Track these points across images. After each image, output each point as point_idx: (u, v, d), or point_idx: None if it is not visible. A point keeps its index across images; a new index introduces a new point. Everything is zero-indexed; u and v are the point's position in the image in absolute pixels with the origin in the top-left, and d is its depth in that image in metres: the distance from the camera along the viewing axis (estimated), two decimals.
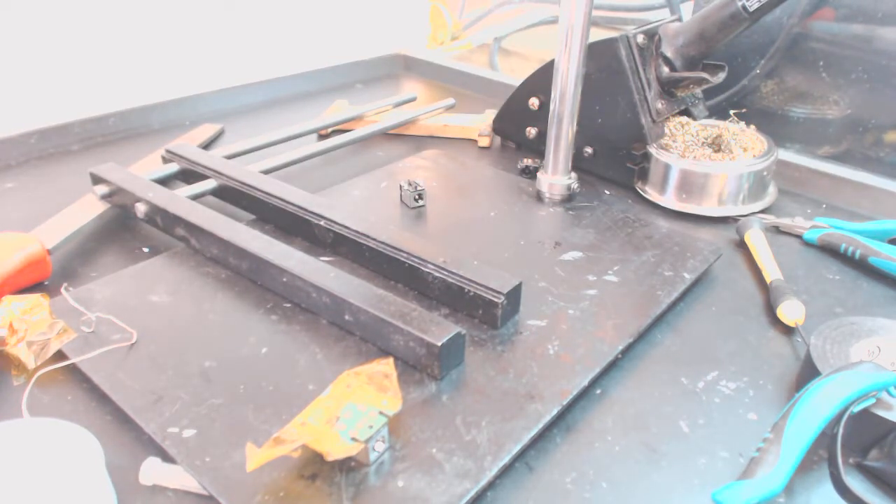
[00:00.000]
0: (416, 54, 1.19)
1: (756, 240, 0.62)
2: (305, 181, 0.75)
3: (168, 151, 0.71)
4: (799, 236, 0.66)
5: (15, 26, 0.83)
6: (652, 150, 0.71)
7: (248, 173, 0.65)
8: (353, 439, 0.36)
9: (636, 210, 0.70)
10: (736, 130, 0.75)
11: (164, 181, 0.68)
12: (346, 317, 0.47)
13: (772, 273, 0.57)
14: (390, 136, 0.89)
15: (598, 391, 0.46)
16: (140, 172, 0.67)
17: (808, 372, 0.45)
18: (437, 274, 0.51)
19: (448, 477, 0.37)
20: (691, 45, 0.70)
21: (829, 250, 0.63)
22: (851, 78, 0.75)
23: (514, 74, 1.08)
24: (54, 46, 0.86)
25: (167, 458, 0.38)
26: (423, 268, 0.52)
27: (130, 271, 0.55)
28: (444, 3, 1.26)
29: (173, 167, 0.70)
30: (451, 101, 0.93)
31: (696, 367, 0.48)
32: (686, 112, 0.77)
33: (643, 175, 0.73)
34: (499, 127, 0.86)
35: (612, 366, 0.47)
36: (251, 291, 0.53)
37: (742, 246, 0.64)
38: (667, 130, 0.74)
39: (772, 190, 0.73)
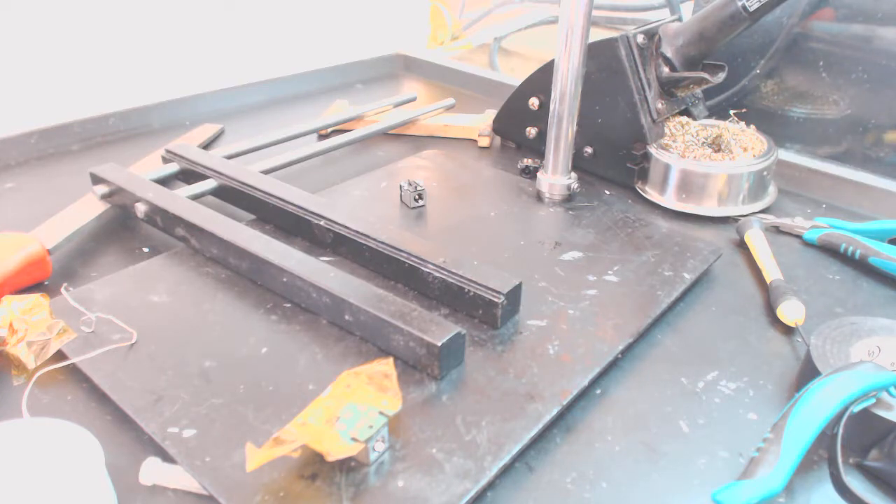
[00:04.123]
0: (416, 54, 1.19)
1: (756, 240, 0.62)
2: (305, 181, 0.75)
3: (168, 151, 0.71)
4: (799, 236, 0.66)
5: (15, 26, 0.83)
6: (652, 150, 0.71)
7: (248, 173, 0.65)
8: (353, 439, 0.36)
9: (636, 210, 0.70)
10: (736, 130, 0.75)
11: (164, 181, 0.68)
12: (346, 317, 0.47)
13: (772, 273, 0.57)
14: (390, 136, 0.89)
15: (598, 391, 0.46)
16: (140, 172, 0.67)
17: (808, 372, 0.45)
18: (436, 274, 0.51)
19: (448, 477, 0.37)
20: (691, 45, 0.70)
21: (829, 250, 0.63)
22: (851, 78, 0.75)
23: (514, 74, 1.08)
24: (54, 46, 0.86)
25: (167, 458, 0.38)
26: (422, 268, 0.52)
27: (130, 271, 0.55)
28: (444, 3, 1.26)
29: (173, 167, 0.70)
30: (451, 101, 0.93)
31: (696, 367, 0.48)
32: (686, 112, 0.77)
33: (643, 175, 0.73)
34: (499, 127, 0.86)
35: (612, 366, 0.47)
36: (251, 291, 0.53)
37: (742, 246, 0.64)
38: (667, 130, 0.74)
39: (772, 190, 0.73)
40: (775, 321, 0.53)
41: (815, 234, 0.64)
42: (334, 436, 0.36)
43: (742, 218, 0.67)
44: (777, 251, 0.61)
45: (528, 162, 0.76)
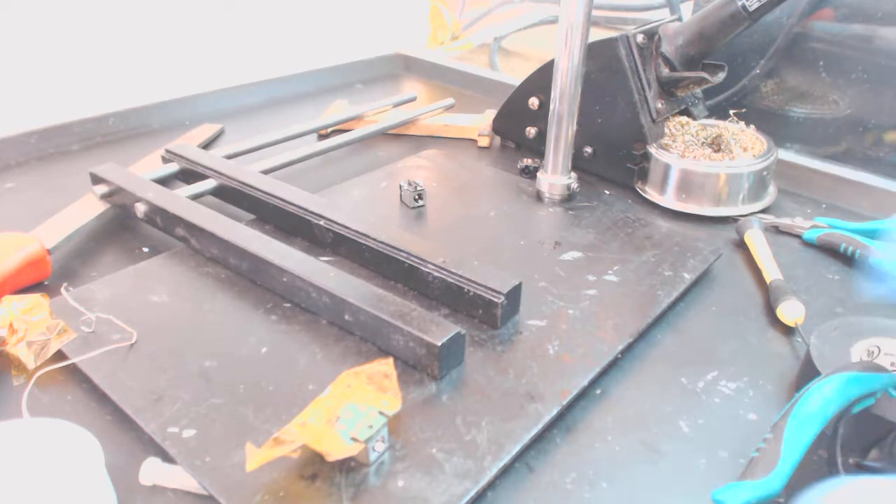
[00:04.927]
0: (416, 54, 1.19)
1: (756, 240, 0.62)
2: (305, 181, 0.75)
3: (168, 151, 0.71)
4: (799, 236, 0.66)
5: (15, 26, 0.83)
6: (652, 150, 0.71)
7: (248, 173, 0.65)
8: (353, 439, 0.36)
9: (636, 210, 0.70)
10: (736, 130, 0.75)
11: (164, 181, 0.68)
12: (346, 317, 0.47)
13: (772, 273, 0.57)
14: (390, 136, 0.89)
15: (598, 391, 0.46)
16: (140, 172, 0.67)
17: (808, 372, 0.45)
18: (436, 274, 0.51)
19: (448, 477, 0.37)
20: (691, 44, 0.70)
21: (829, 250, 0.63)
22: (851, 78, 0.75)
23: (514, 74, 1.08)
24: (54, 46, 0.86)
25: (167, 458, 0.38)
26: (422, 268, 0.52)
27: (130, 271, 0.55)
28: (444, 3, 1.26)
29: (173, 167, 0.70)
30: (450, 101, 0.93)
31: (696, 367, 0.48)
32: (686, 112, 0.77)
33: (643, 175, 0.73)
34: (499, 127, 0.86)
35: (612, 366, 0.47)
36: (251, 291, 0.53)
37: (742, 246, 0.64)
38: (667, 130, 0.74)
39: (772, 190, 0.73)
40: (775, 321, 0.53)
41: (814, 233, 0.64)
42: (334, 436, 0.36)
43: (742, 218, 0.67)
44: (777, 251, 0.61)
45: (527, 162, 0.76)
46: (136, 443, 0.40)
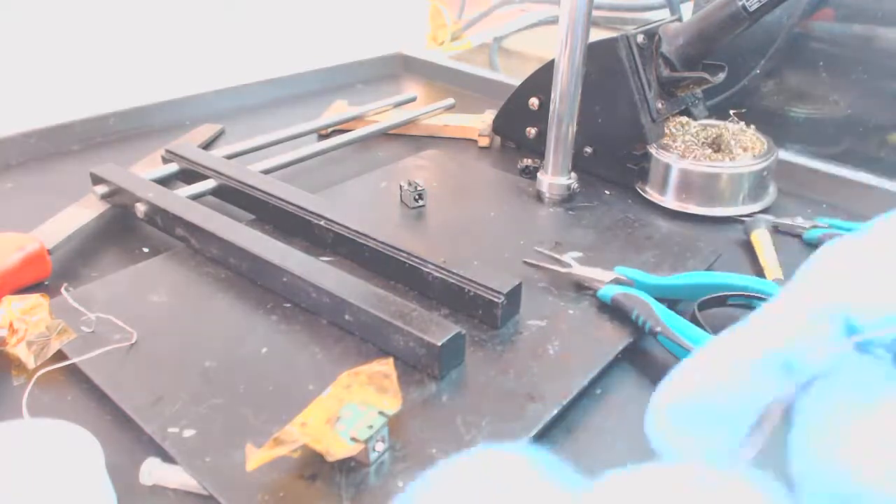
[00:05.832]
0: (416, 54, 1.19)
1: (762, 239, 0.62)
2: (305, 181, 0.75)
3: (168, 151, 0.71)
4: (799, 236, 0.66)
5: (15, 26, 0.83)
6: (652, 150, 0.71)
7: (248, 173, 0.65)
8: (353, 439, 0.36)
9: (636, 210, 0.70)
10: (736, 130, 0.75)
11: (164, 181, 0.68)
12: (346, 317, 0.47)
13: (774, 273, 0.57)
14: (390, 136, 0.89)
15: (599, 391, 0.46)
16: (140, 172, 0.67)
17: None
18: (437, 274, 0.51)
19: None
20: (691, 45, 0.70)
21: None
22: (851, 78, 0.75)
23: (514, 74, 1.08)
24: (54, 46, 0.86)
25: (167, 458, 0.38)
26: (422, 268, 0.52)
27: (130, 271, 0.55)
28: (444, 3, 1.26)
29: (173, 167, 0.70)
30: (450, 101, 0.93)
31: None
32: (686, 112, 0.77)
33: (643, 175, 0.73)
34: (499, 127, 0.86)
35: (612, 366, 0.47)
36: (251, 291, 0.53)
37: (742, 246, 0.64)
38: (667, 130, 0.74)
39: (772, 190, 0.73)
40: None
41: (815, 233, 0.64)
42: (334, 436, 0.36)
43: (748, 218, 0.67)
44: (777, 251, 0.61)
45: (528, 162, 0.76)
46: (136, 443, 0.40)
